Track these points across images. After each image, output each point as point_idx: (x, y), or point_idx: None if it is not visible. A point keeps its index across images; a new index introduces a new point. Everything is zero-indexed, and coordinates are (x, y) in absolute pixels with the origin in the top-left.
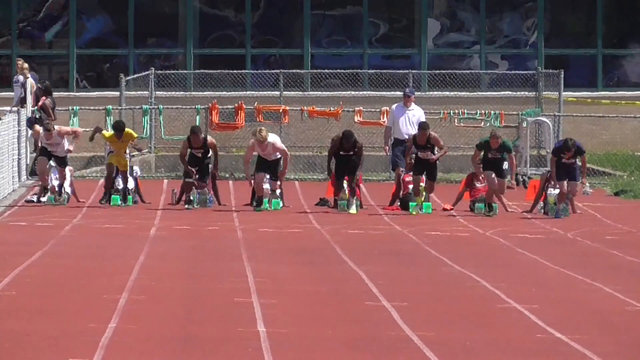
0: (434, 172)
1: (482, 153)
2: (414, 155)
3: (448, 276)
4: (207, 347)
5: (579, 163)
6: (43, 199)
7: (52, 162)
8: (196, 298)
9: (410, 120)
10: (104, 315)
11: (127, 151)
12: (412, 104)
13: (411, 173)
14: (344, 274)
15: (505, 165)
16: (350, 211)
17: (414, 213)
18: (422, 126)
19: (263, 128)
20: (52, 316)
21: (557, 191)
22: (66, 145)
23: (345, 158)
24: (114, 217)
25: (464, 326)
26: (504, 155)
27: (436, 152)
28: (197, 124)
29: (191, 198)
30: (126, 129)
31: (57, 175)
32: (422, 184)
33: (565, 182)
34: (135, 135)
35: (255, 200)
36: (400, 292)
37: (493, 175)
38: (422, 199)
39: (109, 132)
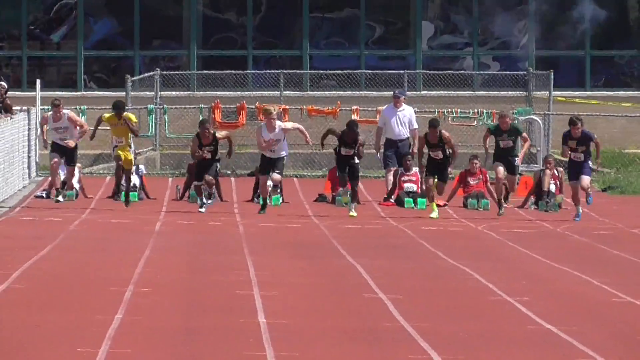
0: (445, 174)
1: (493, 137)
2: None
3: (442, 269)
4: (209, 337)
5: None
6: (60, 199)
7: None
8: (199, 290)
9: (401, 120)
10: (111, 307)
11: (132, 146)
12: (403, 104)
13: (407, 173)
14: (341, 267)
15: (517, 161)
16: (351, 214)
17: (435, 216)
18: (432, 123)
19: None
20: (61, 308)
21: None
22: (76, 134)
23: (345, 158)
24: (120, 213)
25: (457, 318)
26: (516, 144)
27: (448, 153)
28: None
29: (204, 201)
30: (126, 113)
31: (65, 172)
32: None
33: (577, 184)
34: (135, 119)
35: (261, 203)
36: (395, 285)
37: (502, 169)
38: (435, 202)
39: (108, 114)
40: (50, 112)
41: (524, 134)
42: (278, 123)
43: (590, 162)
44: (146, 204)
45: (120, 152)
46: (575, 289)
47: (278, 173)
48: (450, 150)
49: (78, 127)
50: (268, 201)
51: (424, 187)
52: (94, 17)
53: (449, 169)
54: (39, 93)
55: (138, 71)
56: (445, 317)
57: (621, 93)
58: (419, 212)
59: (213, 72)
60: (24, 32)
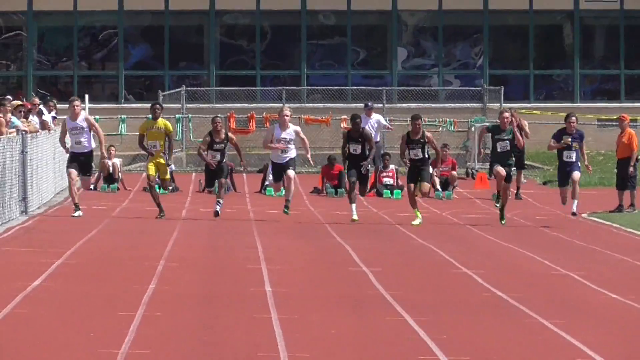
0: (426, 173)
1: (491, 138)
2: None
3: (413, 248)
4: (225, 303)
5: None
6: (76, 215)
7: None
8: (217, 265)
9: (373, 126)
10: (146, 279)
11: (166, 158)
12: (373, 113)
13: (385, 169)
14: (332, 246)
15: (514, 170)
16: (354, 217)
17: (417, 223)
18: (414, 116)
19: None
20: (105, 279)
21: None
22: (92, 142)
23: (355, 160)
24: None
25: (426, 287)
26: (513, 150)
27: (427, 152)
28: None
29: (217, 210)
30: (162, 120)
31: (82, 183)
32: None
33: (566, 190)
34: (171, 128)
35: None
36: (376, 260)
37: (500, 168)
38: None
39: (144, 122)
40: (68, 114)
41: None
42: (292, 126)
43: (578, 163)
44: (175, 194)
45: (152, 169)
46: (521, 263)
47: (292, 169)
48: (433, 150)
49: (93, 132)
50: (273, 193)
51: (399, 182)
52: (132, 44)
53: (433, 171)
54: (87, 105)
55: (168, 87)
56: (416, 286)
57: (558, 105)
58: (395, 202)
59: (228, 88)
60: (75, 55)
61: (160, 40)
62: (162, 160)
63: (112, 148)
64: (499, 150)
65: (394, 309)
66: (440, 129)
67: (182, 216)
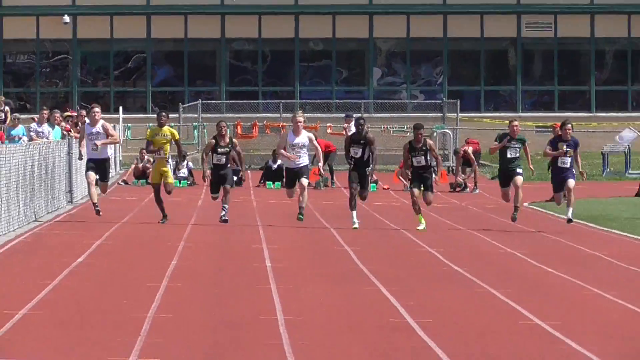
0: (430, 183)
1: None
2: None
3: (386, 231)
4: (233, 276)
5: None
6: (100, 213)
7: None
8: (226, 244)
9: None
10: (168, 256)
11: (169, 161)
12: (352, 121)
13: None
14: (320, 230)
15: (519, 169)
16: (354, 227)
17: (421, 229)
18: (416, 126)
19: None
20: (136, 256)
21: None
22: (109, 150)
23: (356, 164)
24: (175, 194)
25: (396, 262)
26: (519, 151)
27: (429, 160)
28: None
29: (225, 218)
30: (168, 127)
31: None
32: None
33: (561, 194)
34: (177, 136)
35: (300, 214)
36: (356, 241)
37: (509, 189)
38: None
39: (150, 129)
40: (86, 121)
41: (526, 145)
42: (305, 132)
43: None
44: (192, 187)
45: (157, 177)
46: (473, 243)
47: (305, 178)
48: (434, 159)
49: (109, 137)
50: (272, 186)
51: (374, 176)
52: (158, 65)
53: (435, 178)
54: (121, 115)
55: (187, 100)
56: (388, 262)
57: (504, 114)
58: (371, 193)
59: (236, 101)
60: (112, 74)
61: (181, 62)
62: (165, 168)
63: (144, 151)
64: (508, 156)
65: (370, 280)
66: (408, 134)
67: (198, 205)
